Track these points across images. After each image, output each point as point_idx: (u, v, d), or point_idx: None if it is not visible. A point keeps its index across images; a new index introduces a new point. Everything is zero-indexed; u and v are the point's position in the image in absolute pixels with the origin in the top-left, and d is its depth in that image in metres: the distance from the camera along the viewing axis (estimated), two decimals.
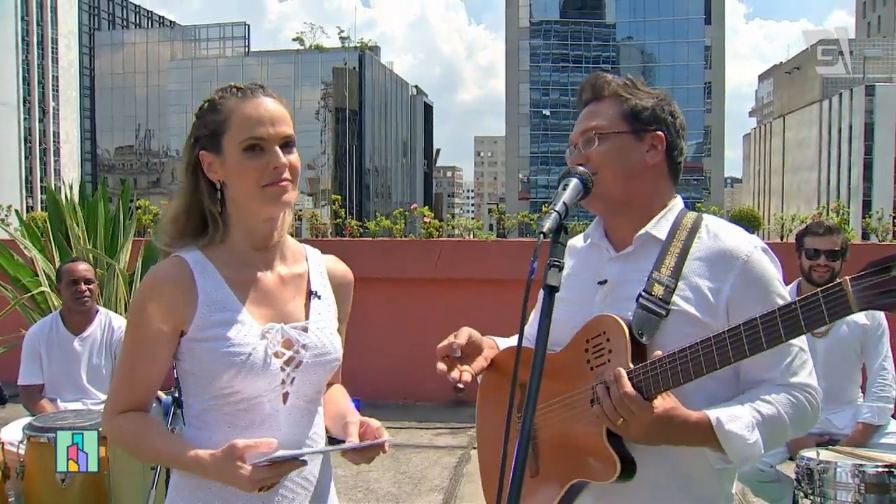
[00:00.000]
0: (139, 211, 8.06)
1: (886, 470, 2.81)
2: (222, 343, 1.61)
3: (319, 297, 1.77)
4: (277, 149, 1.64)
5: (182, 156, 1.73)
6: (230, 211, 1.69)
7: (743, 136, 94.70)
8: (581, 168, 1.67)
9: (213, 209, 1.68)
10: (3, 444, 3.64)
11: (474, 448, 4.93)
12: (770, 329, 1.45)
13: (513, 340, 2.01)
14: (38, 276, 6.19)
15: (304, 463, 1.62)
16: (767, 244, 1.80)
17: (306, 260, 1.81)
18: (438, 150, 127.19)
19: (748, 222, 6.92)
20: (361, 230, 8.85)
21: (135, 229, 6.79)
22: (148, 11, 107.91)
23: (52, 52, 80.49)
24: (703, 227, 1.79)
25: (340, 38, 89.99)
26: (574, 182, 1.62)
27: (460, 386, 1.80)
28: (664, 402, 1.57)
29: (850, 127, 58.75)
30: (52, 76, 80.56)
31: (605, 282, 1.79)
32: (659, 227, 1.79)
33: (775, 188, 74.10)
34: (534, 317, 2.06)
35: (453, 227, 9.45)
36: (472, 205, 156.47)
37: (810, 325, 1.41)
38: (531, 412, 1.40)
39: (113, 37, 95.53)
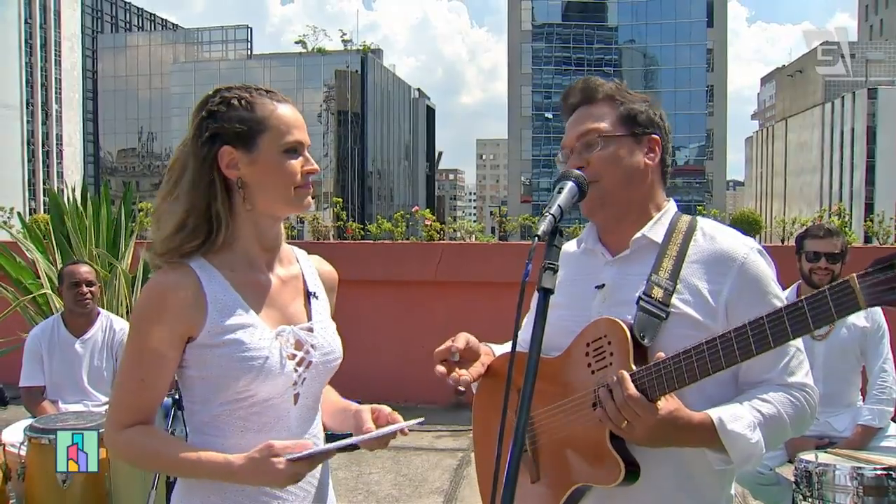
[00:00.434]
0: (141, 213, 8.08)
1: (885, 472, 2.80)
2: (238, 348, 1.60)
3: (317, 298, 1.79)
4: (308, 154, 1.69)
5: (186, 155, 1.67)
6: (240, 211, 1.67)
7: (745, 139, 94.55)
8: (577, 171, 1.66)
9: (223, 209, 1.65)
10: (4, 445, 3.65)
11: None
12: (777, 327, 1.45)
13: (508, 347, 2.01)
14: (39, 278, 6.21)
15: (333, 454, 1.63)
16: (765, 247, 1.81)
17: (297, 261, 1.82)
18: (441, 153, 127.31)
19: (749, 225, 6.92)
20: (362, 233, 8.85)
21: (137, 232, 6.81)
22: (151, 14, 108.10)
23: (55, 54, 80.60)
24: (698, 230, 1.80)
25: (343, 40, 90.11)
26: (569, 185, 1.62)
27: (461, 388, 1.80)
28: (668, 404, 1.57)
29: (853, 130, 58.57)
30: (55, 79, 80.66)
31: (603, 286, 1.78)
32: (655, 230, 1.79)
33: (777, 191, 73.94)
34: (526, 321, 2.08)
35: (455, 230, 9.45)
36: (475, 208, 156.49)
37: (818, 322, 1.41)
38: (525, 413, 1.39)
39: (116, 39, 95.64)
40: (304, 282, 1.79)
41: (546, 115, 74.96)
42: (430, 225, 7.61)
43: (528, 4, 77.11)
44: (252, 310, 1.66)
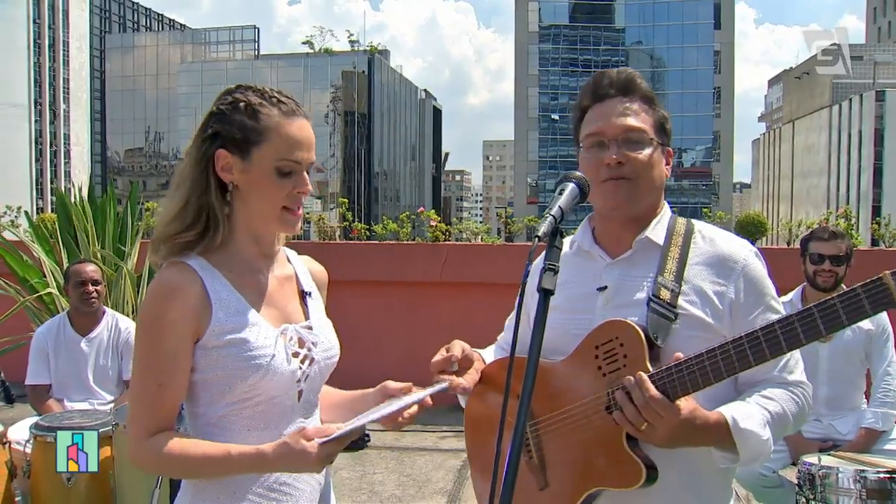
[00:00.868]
0: (148, 213, 8.10)
1: (888, 476, 2.79)
2: (243, 347, 1.60)
3: (311, 296, 1.80)
4: (306, 174, 1.65)
5: (191, 147, 1.66)
6: (237, 212, 1.66)
7: (752, 140, 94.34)
8: (578, 173, 1.65)
9: (219, 209, 1.64)
10: (10, 443, 3.67)
11: None
12: (808, 324, 1.46)
13: (491, 350, 2.03)
14: (45, 277, 6.24)
15: (359, 433, 1.61)
16: (770, 249, 1.82)
17: (289, 261, 1.83)
18: (447, 154, 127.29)
19: (754, 228, 6.88)
20: (368, 234, 8.87)
21: (143, 231, 6.83)
22: (158, 15, 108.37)
23: (63, 54, 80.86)
24: (696, 233, 1.81)
25: (350, 41, 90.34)
26: (570, 187, 1.60)
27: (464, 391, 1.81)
28: (687, 404, 1.56)
29: (860, 132, 58.41)
30: (63, 79, 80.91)
31: (605, 288, 1.78)
32: (656, 231, 1.80)
33: (784, 193, 73.75)
34: (508, 323, 2.08)
35: (460, 231, 9.45)
36: (481, 209, 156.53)
37: (852, 319, 1.42)
38: (524, 416, 1.38)
39: (123, 40, 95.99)
40: (298, 281, 1.80)
41: (552, 117, 75.00)
42: (436, 226, 7.61)
43: (535, 5, 77.17)
44: (254, 309, 1.66)
